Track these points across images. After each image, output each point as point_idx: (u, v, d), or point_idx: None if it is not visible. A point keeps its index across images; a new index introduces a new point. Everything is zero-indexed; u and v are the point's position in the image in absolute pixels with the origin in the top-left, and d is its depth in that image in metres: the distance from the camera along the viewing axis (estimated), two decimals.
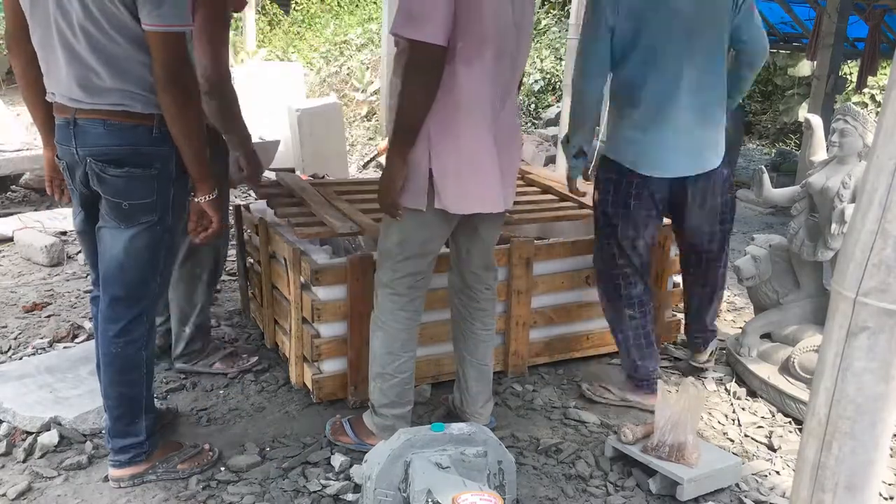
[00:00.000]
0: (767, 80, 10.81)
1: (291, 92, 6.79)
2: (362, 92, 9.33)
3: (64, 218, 4.79)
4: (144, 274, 2.07)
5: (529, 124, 10.08)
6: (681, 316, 3.51)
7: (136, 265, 2.05)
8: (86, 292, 3.76)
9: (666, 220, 3.14)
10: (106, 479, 2.24)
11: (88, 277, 3.97)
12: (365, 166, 7.03)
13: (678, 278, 3.30)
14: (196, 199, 2.06)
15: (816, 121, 3.01)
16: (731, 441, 2.61)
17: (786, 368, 2.87)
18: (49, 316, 3.45)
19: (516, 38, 2.12)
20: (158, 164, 1.99)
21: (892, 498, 2.30)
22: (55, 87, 1.98)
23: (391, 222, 2.19)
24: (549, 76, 10.86)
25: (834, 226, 2.66)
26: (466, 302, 2.43)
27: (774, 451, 2.55)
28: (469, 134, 2.08)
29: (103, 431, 2.33)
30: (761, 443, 2.61)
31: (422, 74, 1.98)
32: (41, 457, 2.34)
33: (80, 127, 1.95)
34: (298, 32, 12.03)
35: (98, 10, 1.85)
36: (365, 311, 2.53)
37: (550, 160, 6.96)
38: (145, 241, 2.03)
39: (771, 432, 2.65)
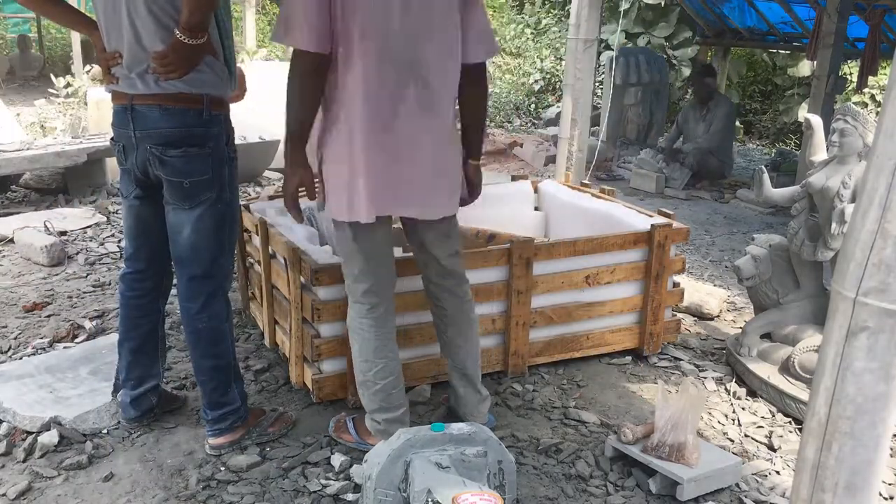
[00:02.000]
0: (767, 80, 10.81)
1: None
2: None
3: (64, 218, 4.79)
4: (214, 251, 2.25)
5: (530, 124, 10.09)
6: (681, 316, 3.51)
7: (206, 244, 2.22)
8: (93, 287, 3.76)
9: (665, 220, 3.15)
10: (106, 478, 2.24)
11: (88, 276, 3.98)
12: None
13: (678, 278, 3.31)
14: (178, 35, 2.01)
15: (816, 121, 3.01)
16: (731, 441, 2.61)
17: (786, 368, 2.87)
18: (49, 316, 3.45)
19: (412, 44, 2.03)
20: (211, 143, 2.17)
21: (892, 498, 2.30)
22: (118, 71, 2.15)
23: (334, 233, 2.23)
24: (549, 76, 10.87)
25: (834, 226, 2.66)
26: (436, 310, 2.43)
27: (774, 451, 2.55)
28: (352, 143, 2.05)
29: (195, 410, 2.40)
30: (761, 443, 2.61)
31: (297, 80, 1.99)
32: (41, 457, 2.34)
33: (137, 112, 2.12)
34: None
35: None
36: None
37: (550, 160, 6.97)
38: (211, 219, 2.20)
39: (771, 432, 2.65)
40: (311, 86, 2.01)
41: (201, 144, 2.15)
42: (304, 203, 3.27)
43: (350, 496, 2.19)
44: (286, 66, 2.05)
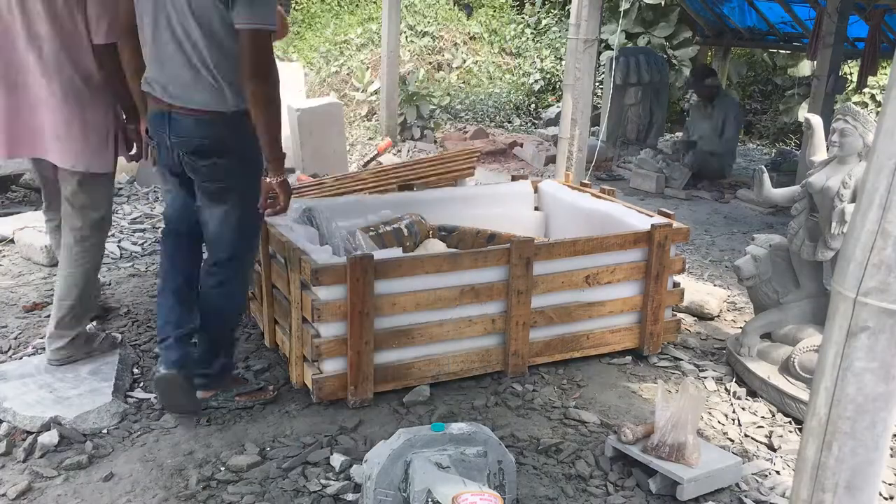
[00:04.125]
0: (767, 79, 10.81)
1: (292, 92, 6.78)
2: (362, 92, 9.32)
3: None
4: (235, 242, 2.49)
5: (530, 124, 10.08)
6: (681, 316, 3.51)
7: (228, 236, 2.46)
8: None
9: (665, 220, 3.15)
10: (106, 478, 2.24)
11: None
12: (365, 165, 7.03)
13: (678, 278, 3.31)
14: (268, 180, 2.35)
15: (816, 121, 3.01)
16: (731, 441, 2.61)
17: (786, 368, 2.87)
18: (49, 316, 3.44)
19: (29, 21, 2.56)
20: (237, 154, 2.36)
21: (892, 498, 2.31)
22: (156, 78, 2.35)
23: None
24: (549, 76, 10.87)
25: (834, 225, 2.66)
26: None
27: (774, 451, 2.55)
28: None
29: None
30: (761, 443, 2.61)
31: None
32: (41, 457, 2.34)
33: (173, 119, 2.32)
34: (298, 32, 12.03)
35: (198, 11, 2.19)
36: (365, 310, 2.54)
37: (550, 160, 6.96)
38: (233, 217, 2.43)
39: (771, 432, 2.65)
40: None
41: (228, 153, 2.35)
42: (306, 203, 3.28)
43: (350, 496, 2.19)
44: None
